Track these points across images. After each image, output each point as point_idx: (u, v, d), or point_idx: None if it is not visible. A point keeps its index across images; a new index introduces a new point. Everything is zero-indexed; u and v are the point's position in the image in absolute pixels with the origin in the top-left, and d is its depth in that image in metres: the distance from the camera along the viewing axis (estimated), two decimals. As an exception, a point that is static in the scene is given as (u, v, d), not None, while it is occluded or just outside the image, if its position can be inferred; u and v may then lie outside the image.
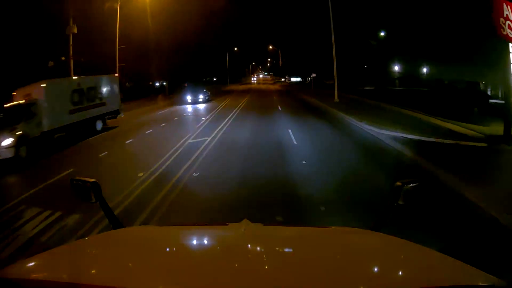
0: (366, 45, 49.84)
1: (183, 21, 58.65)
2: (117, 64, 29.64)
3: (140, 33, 44.52)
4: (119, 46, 29.56)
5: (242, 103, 31.25)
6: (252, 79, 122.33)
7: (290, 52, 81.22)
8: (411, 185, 1.98)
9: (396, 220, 2.06)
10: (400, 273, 1.52)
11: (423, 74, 44.02)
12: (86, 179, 2.14)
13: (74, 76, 31.15)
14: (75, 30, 32.24)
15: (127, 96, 44.16)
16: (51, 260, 1.61)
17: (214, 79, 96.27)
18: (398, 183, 1.99)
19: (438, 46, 33.22)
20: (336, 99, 28.42)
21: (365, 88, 45.29)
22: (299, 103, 31.18)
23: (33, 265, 1.53)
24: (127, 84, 58.23)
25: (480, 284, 1.35)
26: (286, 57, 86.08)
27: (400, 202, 1.97)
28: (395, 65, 55.66)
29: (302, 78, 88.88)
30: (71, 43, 32.21)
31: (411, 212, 3.47)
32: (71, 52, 32.30)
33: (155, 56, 49.86)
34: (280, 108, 25.88)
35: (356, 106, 23.37)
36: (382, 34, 44.27)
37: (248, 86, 78.49)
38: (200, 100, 33.60)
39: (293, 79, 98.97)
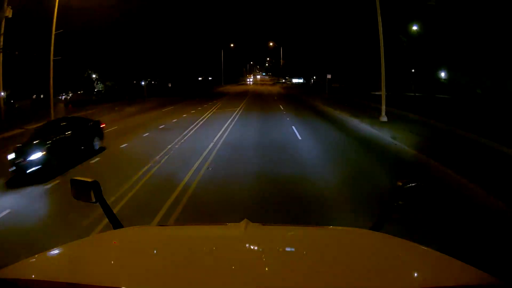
0: (385, 42, 41.40)
1: (171, 13, 50.44)
2: (51, 58, 20.45)
3: (117, 25, 36.02)
4: (56, 31, 20.40)
5: (234, 117, 20.76)
6: (248, 80, 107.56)
7: (292, 50, 72.35)
8: (412, 184, 1.92)
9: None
10: (400, 273, 1.44)
11: (442, 78, 38.58)
12: (86, 178, 2.07)
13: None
14: (10, 14, 23.16)
15: (90, 102, 34.92)
16: (51, 260, 1.59)
17: (210, 78, 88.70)
18: (399, 183, 1.93)
19: (464, 48, 27.85)
20: (383, 116, 17.86)
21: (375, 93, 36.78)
22: (325, 120, 19.47)
23: (33, 265, 1.48)
24: (108, 83, 49.65)
25: (480, 284, 1.29)
26: (288, 56, 77.26)
27: (400, 202, 1.91)
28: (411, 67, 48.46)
29: (304, 80, 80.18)
30: (2, 31, 23.18)
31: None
32: (1, 43, 23.28)
33: (139, 51, 41.73)
34: (299, 136, 14.09)
35: (427, 134, 13.45)
36: (415, 28, 35.38)
37: (245, 87, 69.36)
38: (32, 167, 9.48)
39: (294, 80, 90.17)
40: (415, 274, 1.44)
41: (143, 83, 61.01)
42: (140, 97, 41.49)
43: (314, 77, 75.99)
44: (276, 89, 62.23)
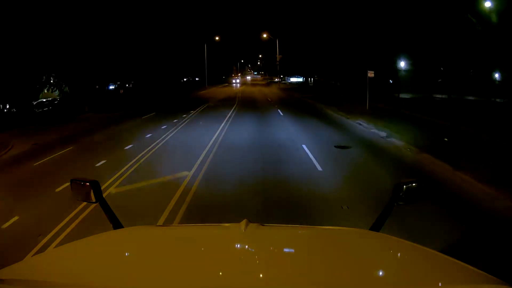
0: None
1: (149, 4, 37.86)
2: None
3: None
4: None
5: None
6: (233, 81, 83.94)
7: (290, 43, 57.12)
8: (412, 185, 1.88)
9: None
10: (399, 273, 1.39)
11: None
12: (86, 178, 2.02)
13: None
14: None
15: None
16: (51, 260, 1.54)
17: (197, 79, 74.21)
18: (399, 183, 1.87)
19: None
20: None
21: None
22: None
23: (33, 265, 1.47)
24: (65, 89, 36.12)
25: (482, 286, 1.25)
26: (285, 51, 61.89)
27: (400, 203, 1.87)
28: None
29: (304, 78, 64.97)
30: None
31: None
32: None
33: (105, 46, 30.96)
34: None
35: None
36: (488, 3, 20.64)
37: (234, 89, 53.66)
38: None
39: (292, 80, 74.74)
40: (415, 274, 1.35)
41: (111, 87, 47.08)
42: (82, 111, 26.84)
43: (316, 76, 61.17)
44: (272, 91, 46.41)
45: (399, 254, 1.61)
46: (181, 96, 39.97)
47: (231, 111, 23.10)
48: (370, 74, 21.19)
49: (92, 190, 1.95)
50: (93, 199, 1.95)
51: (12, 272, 1.31)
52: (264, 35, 56.59)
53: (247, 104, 28.40)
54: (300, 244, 1.74)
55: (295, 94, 38.18)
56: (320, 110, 22.53)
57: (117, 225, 1.98)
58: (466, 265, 1.34)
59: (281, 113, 20.74)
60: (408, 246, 1.64)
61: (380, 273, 1.40)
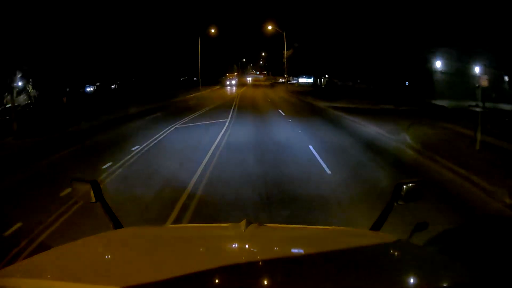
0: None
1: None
2: None
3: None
4: None
5: None
6: (227, 82, 69.17)
7: (299, 39, 47.26)
8: (412, 184, 1.88)
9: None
10: (399, 273, 1.39)
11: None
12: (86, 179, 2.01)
13: None
14: None
15: None
16: (51, 260, 1.50)
17: (195, 78, 65.39)
18: (399, 183, 1.88)
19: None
20: None
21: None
22: None
23: (33, 265, 1.44)
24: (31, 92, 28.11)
25: (479, 284, 1.24)
26: (291, 48, 51.87)
27: (400, 202, 1.87)
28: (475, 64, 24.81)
29: (314, 79, 54.92)
30: None
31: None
32: None
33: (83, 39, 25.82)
34: None
35: None
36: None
37: (231, 94, 43.22)
38: None
39: (301, 81, 64.42)
40: (414, 274, 1.35)
41: (89, 88, 39.45)
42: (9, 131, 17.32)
43: (327, 76, 50.99)
44: (281, 97, 35.82)
45: (399, 254, 1.57)
46: (160, 102, 29.52)
47: (218, 140, 12.50)
48: (484, 81, 10.80)
49: (92, 190, 1.90)
50: (93, 199, 1.92)
51: (12, 272, 1.31)
52: (269, 27, 45.96)
53: (248, 118, 18.03)
54: (300, 244, 1.71)
55: (315, 103, 27.28)
56: (398, 154, 10.96)
57: (117, 225, 1.94)
58: (464, 265, 1.31)
59: (326, 167, 9.04)
60: (407, 246, 1.62)
61: (380, 273, 1.34)
